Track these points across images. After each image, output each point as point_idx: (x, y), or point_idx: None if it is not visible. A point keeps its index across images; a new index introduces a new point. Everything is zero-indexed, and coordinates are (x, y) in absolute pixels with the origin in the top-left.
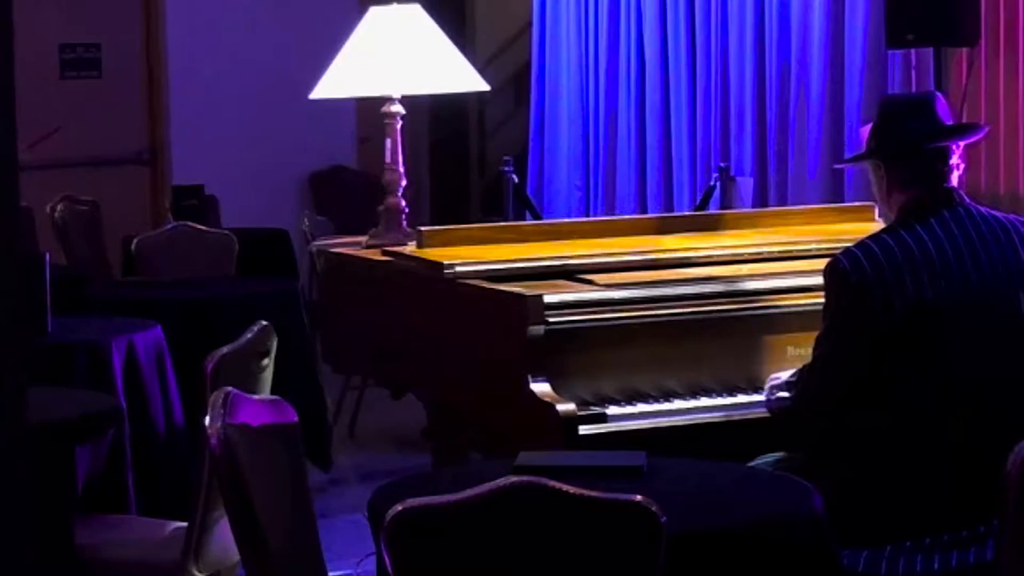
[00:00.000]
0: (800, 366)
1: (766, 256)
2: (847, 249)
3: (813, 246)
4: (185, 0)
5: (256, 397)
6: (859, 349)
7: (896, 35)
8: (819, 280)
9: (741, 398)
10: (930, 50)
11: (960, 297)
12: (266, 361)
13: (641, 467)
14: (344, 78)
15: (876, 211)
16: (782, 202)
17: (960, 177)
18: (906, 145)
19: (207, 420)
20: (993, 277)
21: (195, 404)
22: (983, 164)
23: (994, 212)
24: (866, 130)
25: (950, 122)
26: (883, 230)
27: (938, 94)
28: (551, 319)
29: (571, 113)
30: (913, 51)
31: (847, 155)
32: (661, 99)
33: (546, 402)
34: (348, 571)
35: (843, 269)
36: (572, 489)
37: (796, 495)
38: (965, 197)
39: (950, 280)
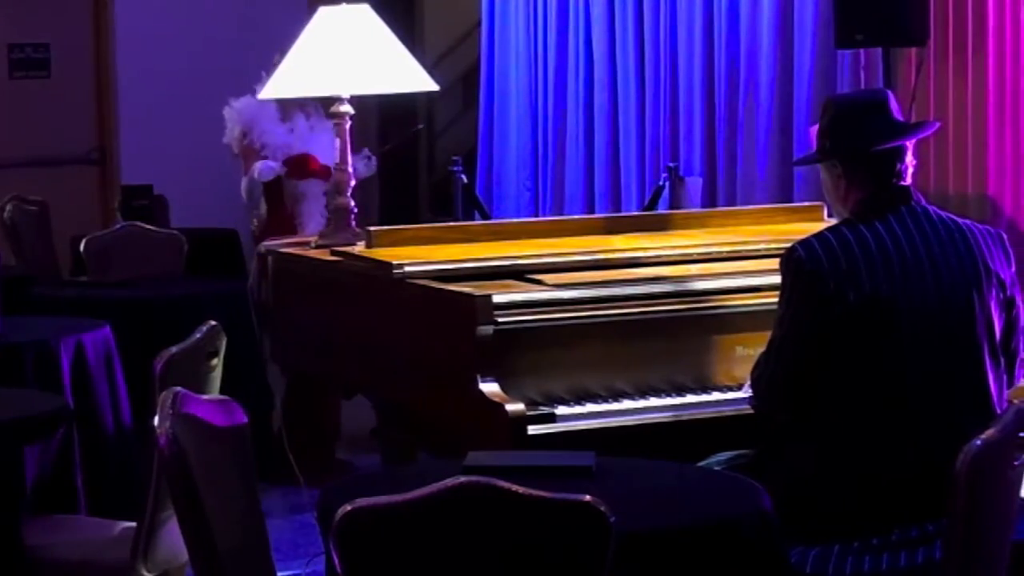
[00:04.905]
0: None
1: (715, 256)
2: (804, 239)
3: (762, 246)
4: (134, 0)
5: (205, 397)
6: (811, 337)
7: (845, 35)
8: (768, 280)
9: (690, 398)
10: (879, 50)
11: (913, 294)
12: (215, 361)
13: (590, 467)
14: (293, 78)
15: (825, 211)
16: (731, 202)
17: (913, 174)
18: (864, 145)
19: (156, 420)
20: (949, 277)
21: (144, 404)
22: (932, 164)
23: (951, 215)
24: (815, 130)
25: (901, 119)
26: (840, 223)
27: (887, 91)
28: (500, 319)
29: (520, 113)
30: (862, 51)
31: (797, 154)
32: (609, 99)
33: (495, 402)
34: (297, 571)
35: (798, 258)
36: (521, 489)
37: (745, 495)
38: (921, 197)
39: (905, 276)
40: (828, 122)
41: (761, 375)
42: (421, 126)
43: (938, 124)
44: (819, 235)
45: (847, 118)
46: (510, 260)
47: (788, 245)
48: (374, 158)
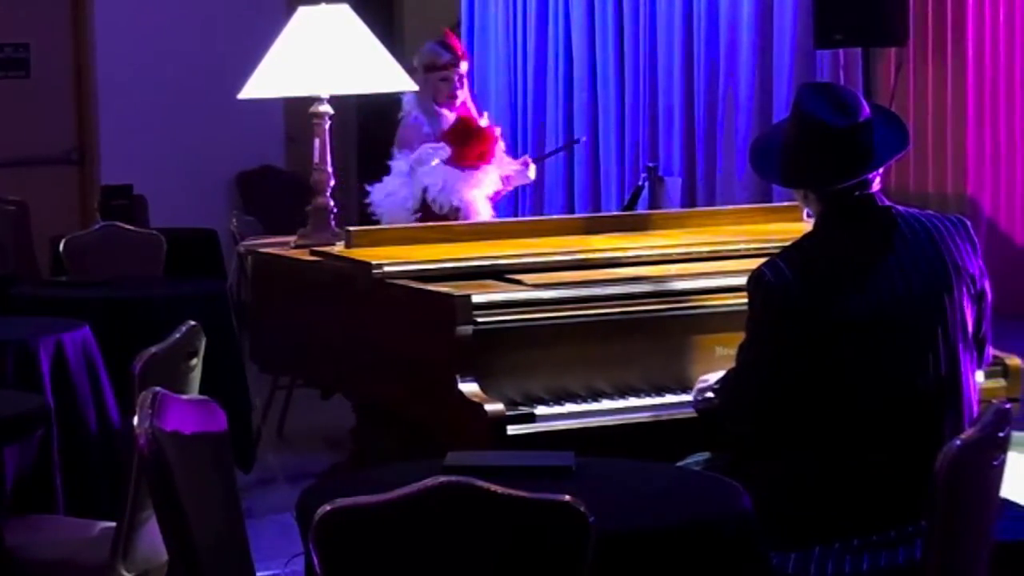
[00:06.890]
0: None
1: (694, 256)
2: (770, 260)
3: (741, 246)
4: (114, 0)
5: (185, 397)
6: (784, 358)
7: (824, 35)
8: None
9: (670, 398)
10: (859, 50)
11: (884, 302)
12: (194, 361)
13: (570, 467)
14: (272, 78)
15: (805, 211)
16: (710, 202)
17: (880, 180)
18: (829, 182)
19: (135, 420)
20: (919, 280)
21: (123, 404)
22: (912, 164)
23: (913, 211)
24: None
25: (869, 114)
26: (805, 237)
27: (858, 102)
28: (479, 319)
29: (499, 112)
30: (842, 51)
31: None
32: (589, 99)
33: (475, 402)
34: (276, 571)
35: (767, 281)
36: (500, 489)
37: (725, 495)
38: (885, 199)
39: (875, 285)
40: (793, 146)
41: (735, 398)
42: (583, 138)
43: (905, 149)
44: (785, 255)
45: (811, 148)
46: (490, 260)
47: (767, 245)
48: (532, 165)
